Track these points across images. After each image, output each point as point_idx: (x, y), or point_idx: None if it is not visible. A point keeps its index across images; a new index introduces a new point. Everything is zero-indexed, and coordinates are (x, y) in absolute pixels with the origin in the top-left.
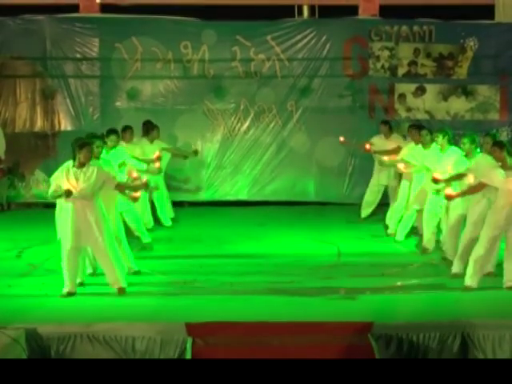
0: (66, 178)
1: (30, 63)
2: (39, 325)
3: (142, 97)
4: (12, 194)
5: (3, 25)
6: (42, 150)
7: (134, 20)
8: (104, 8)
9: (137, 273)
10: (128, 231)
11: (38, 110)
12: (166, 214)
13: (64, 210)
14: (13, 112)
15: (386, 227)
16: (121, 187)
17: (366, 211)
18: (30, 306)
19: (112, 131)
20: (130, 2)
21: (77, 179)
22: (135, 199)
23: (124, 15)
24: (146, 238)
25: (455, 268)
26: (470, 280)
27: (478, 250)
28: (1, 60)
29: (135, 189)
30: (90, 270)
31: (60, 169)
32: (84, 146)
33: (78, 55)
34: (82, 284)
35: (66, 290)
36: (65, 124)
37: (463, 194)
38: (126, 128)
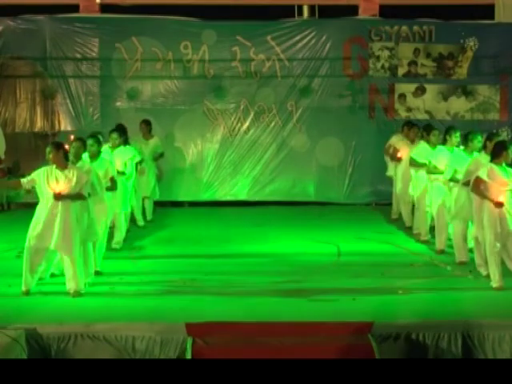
0: (46, 178)
1: (29, 63)
2: (39, 325)
3: (142, 97)
4: (12, 194)
5: (3, 25)
6: (42, 150)
7: (133, 20)
8: (104, 8)
9: (98, 273)
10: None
11: (38, 110)
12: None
13: (40, 209)
14: (13, 112)
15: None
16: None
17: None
18: (29, 306)
19: (113, 130)
20: (130, 2)
21: (57, 181)
22: None
23: (124, 15)
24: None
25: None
26: (499, 281)
27: (492, 251)
28: (1, 60)
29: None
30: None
31: (43, 168)
32: (59, 147)
33: (78, 55)
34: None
35: (23, 288)
36: (65, 124)
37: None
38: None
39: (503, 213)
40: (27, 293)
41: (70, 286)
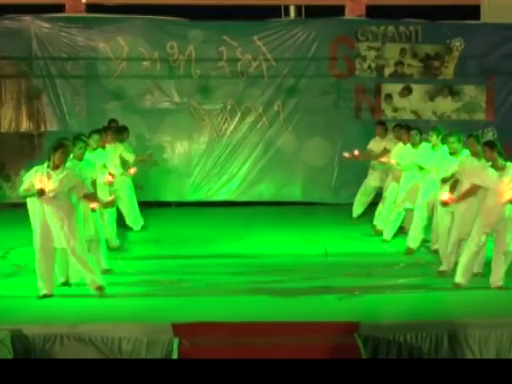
0: (37, 177)
1: (15, 63)
2: (25, 326)
3: (128, 97)
4: None
5: None
6: (27, 150)
7: (119, 20)
8: (90, 8)
9: (107, 271)
10: None
11: (24, 110)
12: (135, 220)
13: (35, 210)
14: None
15: (374, 227)
16: (89, 197)
17: (358, 211)
18: (15, 306)
19: (95, 132)
20: (115, 2)
21: (48, 179)
22: (92, 209)
23: (110, 15)
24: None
25: (444, 266)
26: (460, 278)
27: (470, 248)
28: None
29: (99, 202)
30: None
31: (34, 168)
32: (58, 147)
33: (64, 55)
34: (66, 284)
35: (42, 292)
36: (50, 124)
37: (460, 199)
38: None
39: (499, 214)
40: (46, 296)
41: (91, 284)
